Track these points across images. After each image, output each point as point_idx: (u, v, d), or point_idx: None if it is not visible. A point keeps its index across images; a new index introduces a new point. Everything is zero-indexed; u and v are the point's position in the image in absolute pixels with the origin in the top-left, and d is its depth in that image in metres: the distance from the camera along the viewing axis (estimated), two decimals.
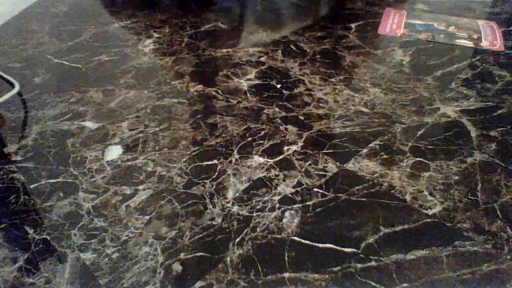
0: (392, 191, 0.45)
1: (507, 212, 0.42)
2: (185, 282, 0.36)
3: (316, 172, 0.48)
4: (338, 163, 0.49)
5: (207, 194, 0.45)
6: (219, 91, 0.64)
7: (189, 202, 0.44)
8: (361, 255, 0.38)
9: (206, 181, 0.47)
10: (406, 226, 0.41)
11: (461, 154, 0.50)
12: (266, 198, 0.44)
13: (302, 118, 0.57)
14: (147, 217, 0.42)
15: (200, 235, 0.40)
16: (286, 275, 0.36)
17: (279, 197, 0.44)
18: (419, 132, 0.54)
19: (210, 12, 0.95)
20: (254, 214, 0.42)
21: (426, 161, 0.49)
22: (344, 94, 0.63)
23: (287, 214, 0.42)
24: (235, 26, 0.88)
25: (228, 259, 0.38)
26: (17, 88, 0.64)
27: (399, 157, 0.50)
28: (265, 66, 0.71)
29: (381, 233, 0.41)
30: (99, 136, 0.54)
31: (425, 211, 0.43)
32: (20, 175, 0.48)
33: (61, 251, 0.39)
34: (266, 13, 0.95)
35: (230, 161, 0.50)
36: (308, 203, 0.43)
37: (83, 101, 0.62)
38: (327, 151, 0.51)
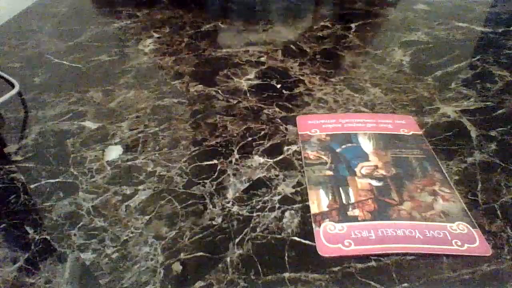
0: None
1: (507, 212, 0.42)
2: (185, 282, 0.36)
3: None
4: None
5: (207, 194, 0.45)
6: (219, 91, 0.64)
7: (189, 202, 0.44)
8: (361, 255, 0.38)
9: (206, 181, 0.47)
10: None
11: (461, 154, 0.50)
12: (266, 198, 0.44)
13: None
14: (147, 217, 0.42)
15: (200, 235, 0.40)
16: (286, 275, 0.36)
17: (279, 197, 0.44)
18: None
19: (210, 12, 0.95)
20: (254, 214, 0.42)
21: None
22: (344, 94, 0.63)
23: (287, 214, 0.42)
24: (235, 26, 0.88)
25: (228, 259, 0.38)
26: (17, 88, 0.64)
27: None
28: (265, 66, 0.71)
29: None
30: (99, 136, 0.54)
31: None
32: (20, 175, 0.48)
33: (61, 251, 0.39)
34: (266, 13, 0.95)
35: (230, 161, 0.50)
36: (308, 203, 0.43)
37: (83, 101, 0.62)
38: None
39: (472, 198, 0.44)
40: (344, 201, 0.43)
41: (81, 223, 0.42)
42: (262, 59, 0.74)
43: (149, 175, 0.48)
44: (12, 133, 0.56)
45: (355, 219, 0.41)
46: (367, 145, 0.51)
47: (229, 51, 0.77)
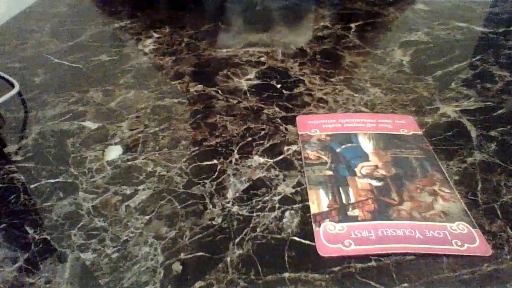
0: None
1: (507, 212, 0.42)
2: (185, 282, 0.36)
3: None
4: None
5: (207, 194, 0.45)
6: (219, 91, 0.64)
7: (189, 202, 0.44)
8: (361, 255, 0.38)
9: (206, 181, 0.47)
10: None
11: (461, 154, 0.50)
12: (266, 198, 0.44)
13: None
14: (147, 217, 0.42)
15: (200, 235, 0.40)
16: (286, 275, 0.36)
17: (279, 197, 0.44)
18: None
19: (210, 12, 0.95)
20: (254, 214, 0.42)
21: None
22: (344, 94, 0.63)
23: (287, 214, 0.42)
24: (235, 26, 0.88)
25: (228, 259, 0.38)
26: (17, 88, 0.64)
27: None
28: (265, 66, 0.71)
29: None
30: (99, 136, 0.54)
31: None
32: (20, 175, 0.48)
33: (61, 251, 0.39)
34: (266, 13, 0.95)
35: (230, 161, 0.50)
36: (308, 203, 0.43)
37: (83, 101, 0.62)
38: None
39: (472, 198, 0.44)
40: (344, 201, 0.43)
41: (81, 223, 0.42)
42: (262, 59, 0.74)
43: (149, 175, 0.48)
44: (12, 133, 0.56)
45: (355, 219, 0.41)
46: (367, 145, 0.51)
47: (229, 51, 0.77)
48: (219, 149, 0.52)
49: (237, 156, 0.50)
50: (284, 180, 0.47)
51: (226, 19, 0.92)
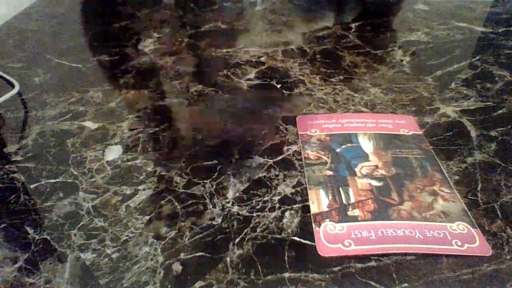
0: None
1: (507, 212, 0.42)
2: (185, 282, 0.36)
3: None
4: None
5: (207, 194, 0.45)
6: (219, 91, 0.64)
7: (189, 202, 0.44)
8: (361, 255, 0.38)
9: (206, 181, 0.47)
10: None
11: (461, 154, 0.50)
12: (266, 198, 0.44)
13: None
14: (147, 217, 0.42)
15: (200, 235, 0.40)
16: (286, 275, 0.36)
17: (279, 197, 0.44)
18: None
19: (210, 12, 0.95)
20: (254, 214, 0.42)
21: None
22: (344, 94, 0.63)
23: (287, 214, 0.42)
24: (235, 26, 0.88)
25: (228, 259, 0.38)
26: (17, 88, 0.64)
27: None
28: (265, 66, 0.71)
29: None
30: (99, 136, 0.54)
31: None
32: (20, 175, 0.48)
33: (61, 251, 0.39)
34: (266, 13, 0.95)
35: (230, 161, 0.50)
36: (308, 203, 0.43)
37: (83, 101, 0.62)
38: None
39: (472, 198, 0.44)
40: (344, 201, 0.43)
41: (81, 223, 0.42)
42: (262, 59, 0.74)
43: (149, 175, 0.48)
44: (12, 133, 0.56)
45: (355, 219, 0.41)
46: (367, 145, 0.51)
47: (229, 51, 0.77)
48: (219, 149, 0.52)
49: (237, 156, 0.50)
50: (284, 180, 0.47)
51: (226, 19, 0.92)
